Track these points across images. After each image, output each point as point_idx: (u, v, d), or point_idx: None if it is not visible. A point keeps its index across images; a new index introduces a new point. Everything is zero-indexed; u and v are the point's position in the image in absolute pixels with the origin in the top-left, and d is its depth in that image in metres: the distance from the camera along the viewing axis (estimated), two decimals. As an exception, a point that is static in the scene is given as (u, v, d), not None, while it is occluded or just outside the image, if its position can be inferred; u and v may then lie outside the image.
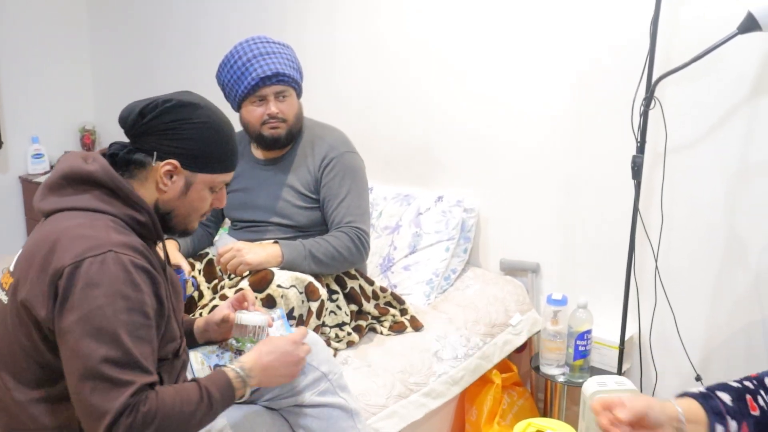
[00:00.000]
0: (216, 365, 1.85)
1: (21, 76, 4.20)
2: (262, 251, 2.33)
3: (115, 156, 1.66)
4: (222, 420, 1.76)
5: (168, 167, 1.64)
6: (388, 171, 3.24)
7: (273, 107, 2.47)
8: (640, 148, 2.36)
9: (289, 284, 2.24)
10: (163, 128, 1.65)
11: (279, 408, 1.86)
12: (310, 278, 2.31)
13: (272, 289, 2.22)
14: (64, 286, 1.45)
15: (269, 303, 2.20)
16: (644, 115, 2.34)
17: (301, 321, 2.28)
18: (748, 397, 1.48)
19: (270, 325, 1.86)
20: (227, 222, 2.81)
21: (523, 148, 2.87)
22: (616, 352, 2.59)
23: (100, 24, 4.42)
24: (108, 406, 1.39)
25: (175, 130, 1.65)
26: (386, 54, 3.20)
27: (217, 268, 2.63)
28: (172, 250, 2.50)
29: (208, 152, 1.68)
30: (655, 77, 2.33)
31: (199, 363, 1.86)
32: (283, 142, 2.55)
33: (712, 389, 1.49)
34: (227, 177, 1.75)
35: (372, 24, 3.22)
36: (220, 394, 1.56)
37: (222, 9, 3.76)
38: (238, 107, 2.54)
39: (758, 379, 1.53)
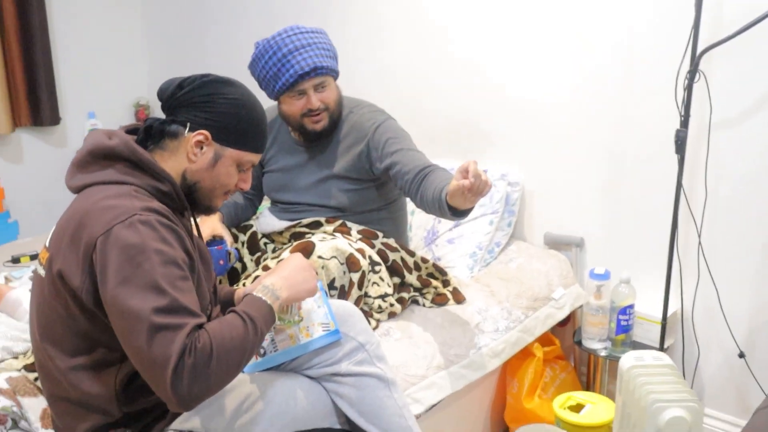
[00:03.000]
0: None
1: (77, 52, 4.29)
2: None
3: (149, 129, 1.73)
4: (263, 385, 1.81)
5: (199, 137, 1.70)
6: (433, 145, 3.23)
7: (314, 101, 2.46)
8: (684, 122, 2.34)
9: (329, 255, 2.27)
10: (198, 100, 1.71)
11: (318, 376, 1.90)
12: (351, 249, 2.33)
13: (313, 260, 2.25)
14: (100, 257, 1.51)
15: None
16: (688, 88, 2.31)
17: (343, 291, 2.31)
18: None
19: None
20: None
21: (567, 122, 2.86)
22: (659, 327, 2.58)
23: (154, -1, 4.50)
24: (169, 352, 1.43)
25: (209, 102, 1.71)
26: (429, 28, 3.19)
27: (261, 242, 2.68)
28: (215, 221, 2.54)
29: (238, 127, 1.73)
30: (700, 49, 2.29)
31: None
32: (327, 133, 2.54)
33: None
34: (254, 158, 1.80)
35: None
36: (259, 313, 1.61)
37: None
38: (276, 99, 2.54)
39: None
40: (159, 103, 1.77)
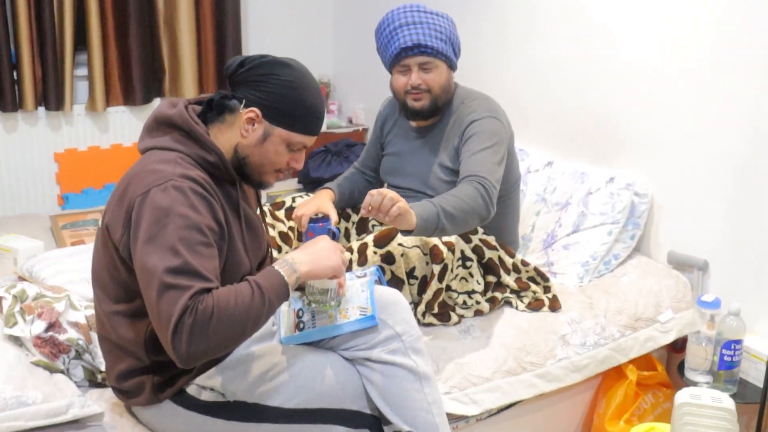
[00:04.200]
0: (299, 309, 1.96)
1: (267, 24, 4.51)
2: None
3: (211, 102, 1.84)
4: (294, 358, 1.88)
5: (251, 114, 1.81)
6: (571, 145, 3.12)
7: (414, 78, 2.47)
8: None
9: (411, 244, 2.27)
10: (254, 79, 1.82)
11: (352, 359, 1.93)
12: (435, 241, 2.31)
13: (393, 246, 2.26)
14: (135, 215, 1.66)
15: (388, 259, 2.26)
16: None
17: (424, 282, 2.31)
18: None
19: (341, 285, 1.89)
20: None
21: (702, 138, 2.64)
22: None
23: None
24: (172, 310, 1.56)
25: (263, 82, 1.81)
26: (585, 25, 3.05)
27: (369, 224, 2.74)
28: (324, 199, 2.58)
29: (287, 108, 1.82)
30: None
31: (285, 304, 1.97)
32: (426, 114, 2.54)
33: None
34: (305, 140, 1.87)
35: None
36: (270, 284, 1.67)
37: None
38: (390, 72, 2.58)
39: None
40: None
